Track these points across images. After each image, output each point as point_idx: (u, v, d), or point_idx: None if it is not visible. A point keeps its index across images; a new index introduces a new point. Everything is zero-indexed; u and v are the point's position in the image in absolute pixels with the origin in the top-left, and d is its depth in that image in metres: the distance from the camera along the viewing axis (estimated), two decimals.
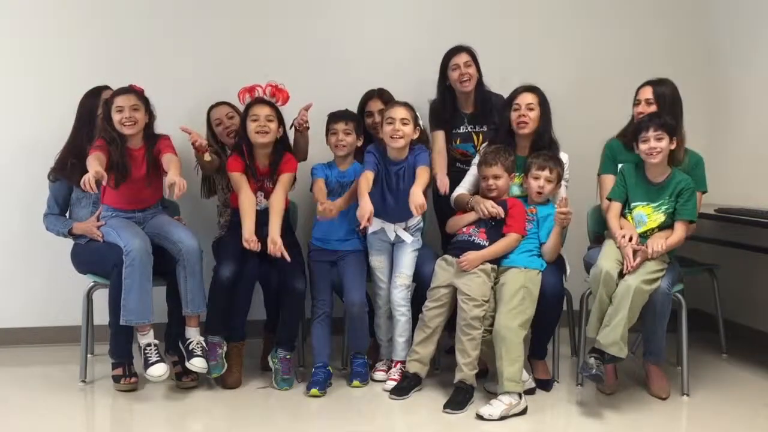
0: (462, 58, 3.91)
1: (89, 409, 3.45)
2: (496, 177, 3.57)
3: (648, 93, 3.61)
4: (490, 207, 3.52)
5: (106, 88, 3.74)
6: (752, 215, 3.71)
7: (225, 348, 3.58)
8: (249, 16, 4.36)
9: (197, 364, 3.44)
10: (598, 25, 4.69)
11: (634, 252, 3.32)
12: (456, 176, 3.82)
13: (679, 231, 3.40)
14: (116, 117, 3.50)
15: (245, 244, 3.48)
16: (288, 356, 3.63)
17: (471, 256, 3.46)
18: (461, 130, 3.99)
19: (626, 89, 3.75)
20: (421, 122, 3.67)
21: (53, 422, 3.24)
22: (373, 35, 4.48)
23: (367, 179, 3.52)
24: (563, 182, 3.64)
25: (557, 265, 3.58)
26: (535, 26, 4.62)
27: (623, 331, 3.23)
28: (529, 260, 3.49)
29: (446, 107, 3.97)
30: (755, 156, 4.38)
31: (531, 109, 3.60)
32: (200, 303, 3.54)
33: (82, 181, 3.22)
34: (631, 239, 3.35)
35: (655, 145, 3.36)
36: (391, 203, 3.65)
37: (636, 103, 3.66)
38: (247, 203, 3.59)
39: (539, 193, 3.56)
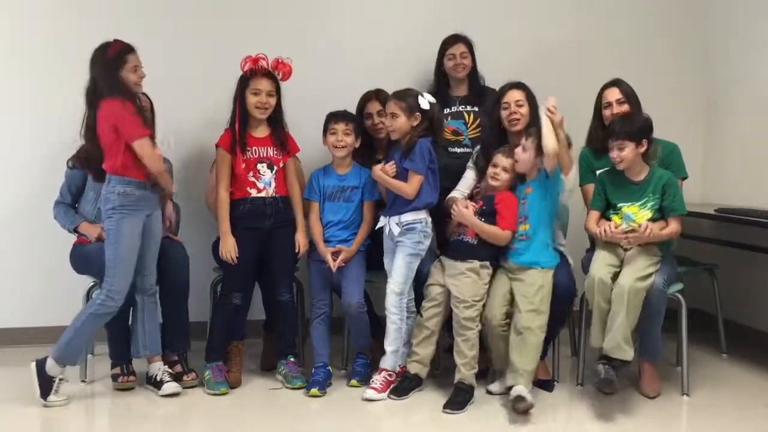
0: (459, 49, 4.05)
1: (89, 409, 3.45)
2: (505, 169, 3.55)
3: (617, 93, 3.63)
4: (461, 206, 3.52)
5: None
6: (752, 215, 3.71)
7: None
8: (249, 15, 4.36)
9: (170, 388, 3.44)
10: (597, 25, 4.69)
11: (627, 233, 3.34)
12: (449, 162, 3.83)
13: (674, 224, 3.42)
14: None
15: (226, 255, 3.52)
16: (292, 358, 3.65)
17: (463, 210, 3.47)
18: (452, 110, 4.07)
19: None
20: (425, 102, 3.52)
21: (53, 422, 3.25)
22: (374, 35, 4.47)
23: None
24: None
25: (566, 265, 3.56)
26: (534, 25, 4.62)
27: (624, 332, 3.23)
28: (548, 258, 3.45)
29: (439, 91, 4.04)
30: (755, 156, 4.37)
31: (520, 106, 3.59)
32: (158, 345, 3.55)
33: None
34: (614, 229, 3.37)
35: (615, 155, 3.39)
36: (390, 194, 3.62)
37: (605, 105, 3.65)
38: (225, 203, 3.58)
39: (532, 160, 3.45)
